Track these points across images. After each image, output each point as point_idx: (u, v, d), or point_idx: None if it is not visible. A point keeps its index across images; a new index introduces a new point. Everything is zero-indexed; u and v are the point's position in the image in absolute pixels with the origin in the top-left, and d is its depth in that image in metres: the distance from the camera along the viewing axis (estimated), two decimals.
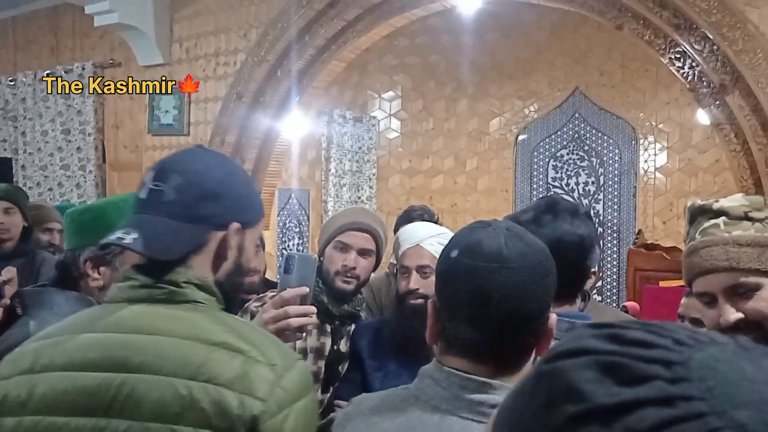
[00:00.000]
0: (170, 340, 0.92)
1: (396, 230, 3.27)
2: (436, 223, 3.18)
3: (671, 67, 3.32)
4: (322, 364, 1.82)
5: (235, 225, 1.02)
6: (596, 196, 5.53)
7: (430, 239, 1.76)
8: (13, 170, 5.39)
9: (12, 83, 5.52)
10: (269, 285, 2.30)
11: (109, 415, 0.89)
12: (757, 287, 1.08)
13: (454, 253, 0.91)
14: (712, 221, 1.14)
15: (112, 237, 0.97)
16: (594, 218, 5.46)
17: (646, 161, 5.31)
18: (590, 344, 0.36)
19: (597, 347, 0.36)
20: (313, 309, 1.27)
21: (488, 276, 0.87)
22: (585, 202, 5.56)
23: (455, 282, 0.91)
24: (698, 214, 1.18)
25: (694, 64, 3.21)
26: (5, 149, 5.60)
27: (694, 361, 0.34)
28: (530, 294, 0.89)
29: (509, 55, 5.77)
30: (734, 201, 1.14)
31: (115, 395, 0.89)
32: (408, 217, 3.14)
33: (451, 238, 0.99)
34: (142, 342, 0.92)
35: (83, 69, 5.15)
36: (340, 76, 5.05)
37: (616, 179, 5.45)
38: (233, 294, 1.07)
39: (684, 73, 3.28)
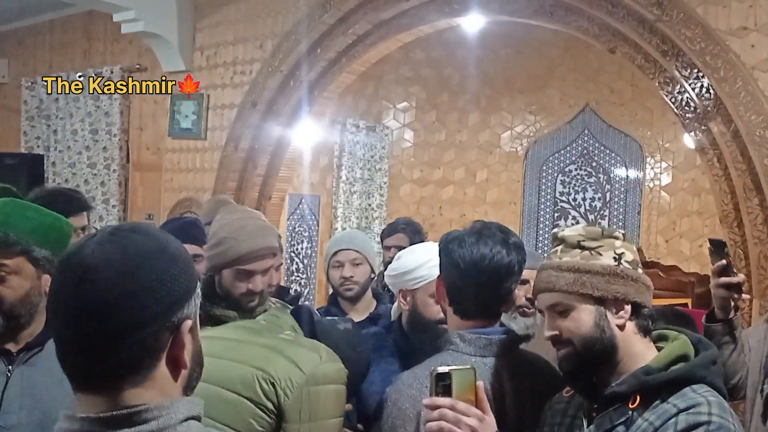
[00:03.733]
0: None
1: (383, 240, 3.42)
2: (421, 235, 3.33)
3: (660, 92, 3.42)
4: None
5: None
6: (602, 212, 5.60)
7: None
8: (45, 166, 5.69)
9: (46, 83, 5.83)
10: (282, 292, 2.43)
11: None
12: (571, 308, 1.20)
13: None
14: (555, 248, 1.28)
15: None
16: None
17: (651, 179, 5.37)
18: None
19: None
20: None
21: (68, 289, 0.78)
22: (591, 217, 5.64)
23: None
24: (552, 241, 1.32)
25: (681, 89, 3.30)
26: (38, 146, 5.92)
27: None
28: (120, 306, 0.78)
29: (522, 71, 5.88)
30: (573, 231, 1.28)
31: None
32: (393, 229, 3.28)
33: None
34: None
35: (112, 72, 5.41)
36: (356, 86, 5.21)
37: (621, 196, 5.52)
38: None
39: (672, 97, 3.37)
